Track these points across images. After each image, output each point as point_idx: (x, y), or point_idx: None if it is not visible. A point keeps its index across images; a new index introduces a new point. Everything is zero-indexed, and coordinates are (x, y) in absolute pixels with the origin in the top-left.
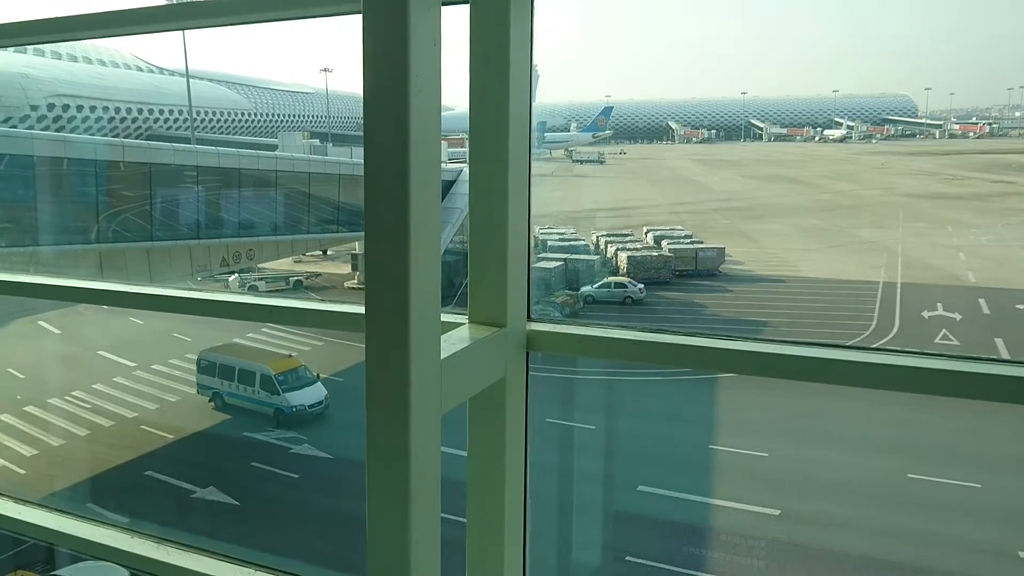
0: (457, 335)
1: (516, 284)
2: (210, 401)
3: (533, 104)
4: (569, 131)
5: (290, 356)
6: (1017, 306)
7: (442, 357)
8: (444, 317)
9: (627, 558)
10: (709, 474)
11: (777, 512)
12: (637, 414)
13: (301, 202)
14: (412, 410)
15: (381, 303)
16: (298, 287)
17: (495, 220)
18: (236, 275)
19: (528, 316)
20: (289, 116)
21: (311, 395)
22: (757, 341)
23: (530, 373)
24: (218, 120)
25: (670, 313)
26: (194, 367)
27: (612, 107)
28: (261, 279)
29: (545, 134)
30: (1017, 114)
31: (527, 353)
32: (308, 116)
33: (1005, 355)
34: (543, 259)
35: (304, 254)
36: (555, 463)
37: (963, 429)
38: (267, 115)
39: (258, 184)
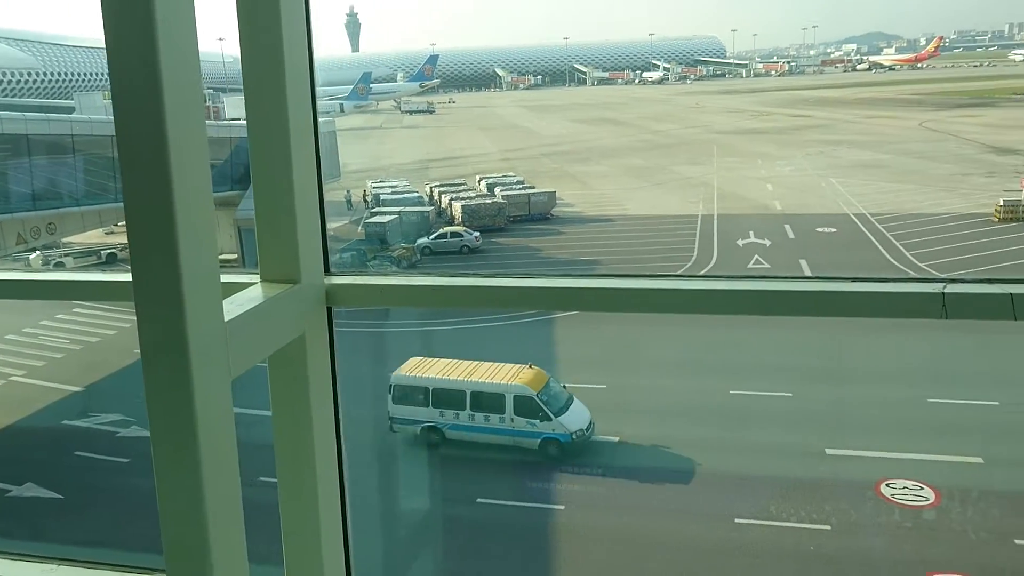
0: (246, 295)
1: (308, 238)
2: (416, 438)
3: (313, 45)
4: (396, 81)
5: (530, 366)
6: (817, 229)
7: (228, 319)
8: (235, 278)
9: (478, 500)
10: None
11: (616, 439)
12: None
13: (106, 168)
14: (194, 377)
15: (147, 269)
16: (112, 260)
17: (278, 174)
18: (38, 252)
19: (327, 270)
20: (86, 75)
21: (581, 415)
22: (561, 277)
23: (339, 328)
24: None
25: (507, 258)
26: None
27: (438, 55)
28: (68, 254)
29: (371, 85)
30: (811, 52)
31: (328, 308)
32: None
33: (808, 273)
34: (377, 213)
35: (116, 224)
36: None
37: (777, 344)
38: (60, 74)
39: (53, 151)
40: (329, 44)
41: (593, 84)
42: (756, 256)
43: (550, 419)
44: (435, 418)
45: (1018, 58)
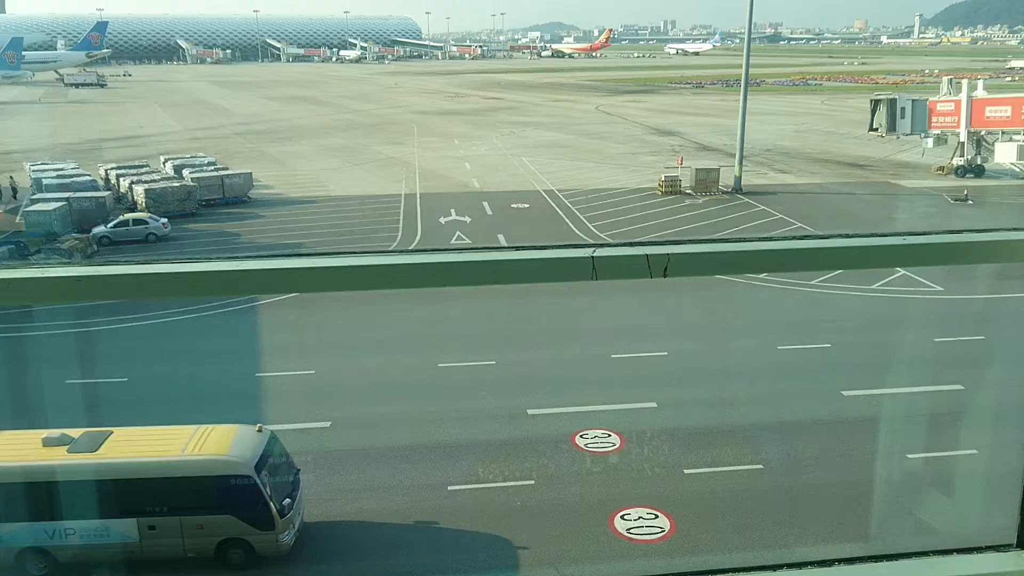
0: None
1: None
2: None
3: None
4: (56, 49)
5: None
6: (512, 205)
7: None
8: None
9: None
10: (258, 402)
11: (328, 424)
12: (180, 356)
13: None
14: None
15: None
16: None
17: None
18: None
19: None
20: None
21: None
22: (230, 260)
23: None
24: None
25: (201, 246)
26: None
27: (107, 22)
28: None
29: (24, 53)
30: (501, 38)
31: None
32: None
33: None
34: (40, 200)
35: None
36: (81, 424)
37: (478, 316)
38: None
39: None
40: None
41: (288, 61)
42: (458, 232)
43: None
44: None
45: (671, 51)
